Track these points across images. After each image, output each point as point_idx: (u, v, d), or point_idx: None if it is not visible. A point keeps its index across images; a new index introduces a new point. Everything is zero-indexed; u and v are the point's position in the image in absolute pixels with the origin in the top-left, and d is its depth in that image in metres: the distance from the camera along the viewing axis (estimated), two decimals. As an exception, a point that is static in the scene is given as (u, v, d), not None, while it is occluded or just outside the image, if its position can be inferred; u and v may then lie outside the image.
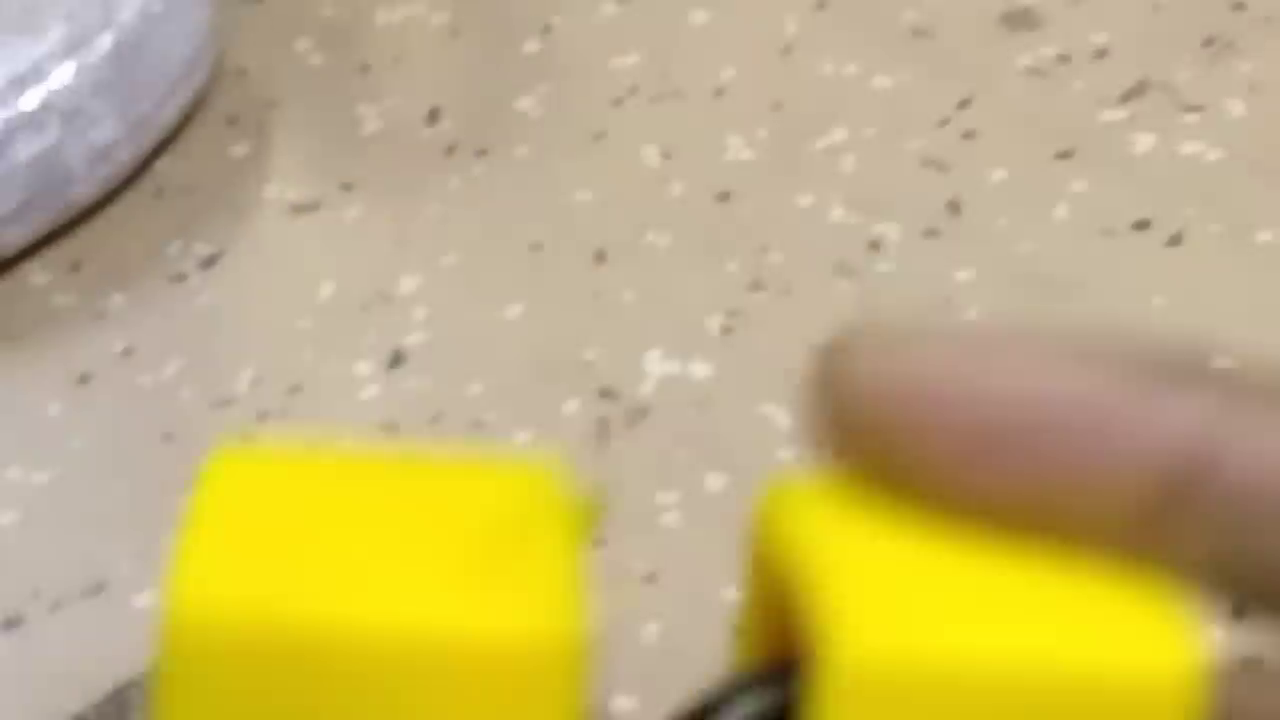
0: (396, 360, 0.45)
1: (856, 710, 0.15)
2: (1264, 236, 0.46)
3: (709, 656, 0.18)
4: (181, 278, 0.48)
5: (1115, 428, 0.15)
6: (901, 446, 0.15)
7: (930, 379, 0.15)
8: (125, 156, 0.48)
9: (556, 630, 0.15)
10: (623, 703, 0.37)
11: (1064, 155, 0.48)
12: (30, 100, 0.46)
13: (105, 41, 0.47)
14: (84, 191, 0.47)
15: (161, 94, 0.48)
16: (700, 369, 0.44)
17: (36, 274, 0.49)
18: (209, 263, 0.48)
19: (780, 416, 0.43)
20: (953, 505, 0.15)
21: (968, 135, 0.49)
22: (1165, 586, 0.16)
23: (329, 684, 0.16)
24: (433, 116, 0.50)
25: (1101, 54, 0.50)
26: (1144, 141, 0.48)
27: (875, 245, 0.47)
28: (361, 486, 0.17)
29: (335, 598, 0.16)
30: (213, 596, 0.16)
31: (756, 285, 0.46)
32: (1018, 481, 0.15)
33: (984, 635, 0.15)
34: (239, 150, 0.51)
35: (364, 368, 0.45)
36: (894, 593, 0.15)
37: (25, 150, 0.46)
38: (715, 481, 0.41)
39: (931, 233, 0.47)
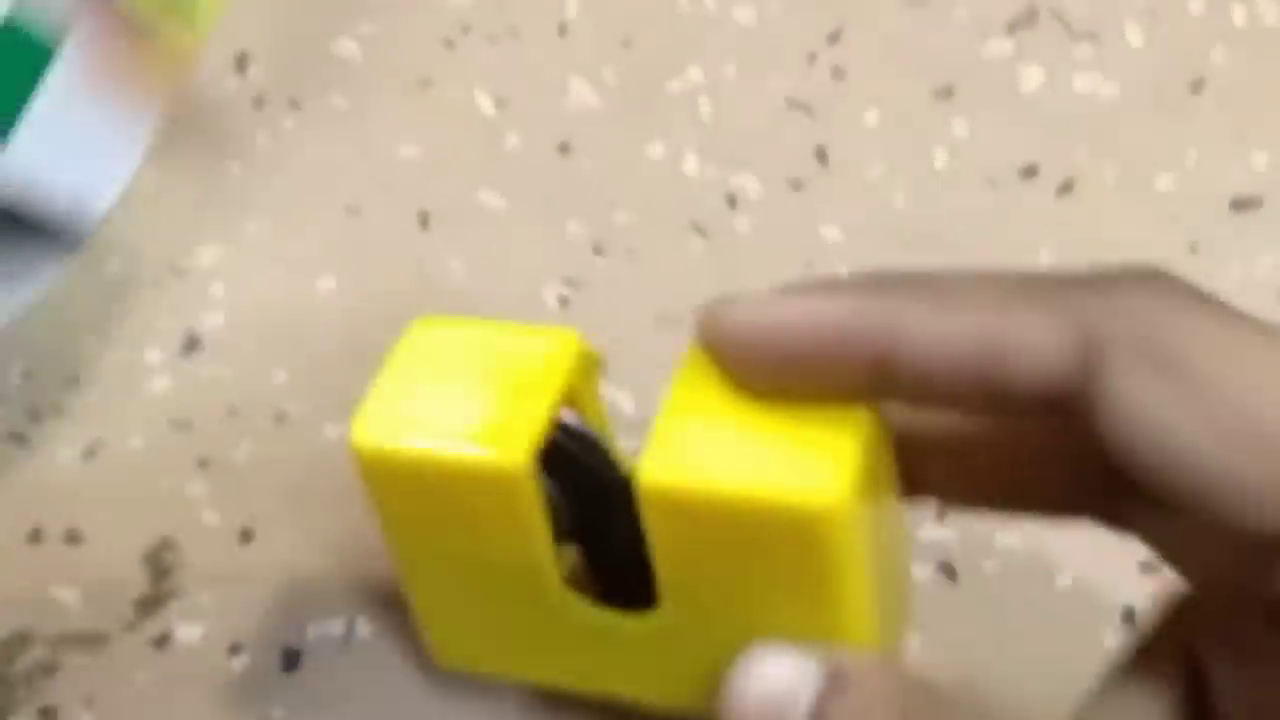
0: (190, 345, 0.40)
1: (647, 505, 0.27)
2: (1163, 183, 0.41)
3: None
4: (-53, 255, 0.42)
5: (835, 337, 0.26)
6: (733, 365, 0.27)
7: (744, 328, 0.27)
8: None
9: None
10: None
11: (943, 94, 0.43)
12: None
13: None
14: None
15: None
16: (533, 348, 0.39)
17: None
18: (-21, 237, 0.42)
19: (622, 399, 0.38)
20: (762, 390, 0.27)
21: (837, 73, 0.44)
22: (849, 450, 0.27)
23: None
24: (240, 63, 0.45)
25: (986, -22, 0.45)
26: (1032, 77, 0.43)
27: (733, 200, 0.42)
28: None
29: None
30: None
31: (600, 249, 0.41)
32: (791, 376, 0.26)
33: (715, 471, 0.27)
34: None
35: (153, 355, 0.40)
36: (691, 437, 0.27)
37: None
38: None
39: (796, 184, 0.42)
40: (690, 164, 0.42)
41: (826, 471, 0.26)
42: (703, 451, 0.27)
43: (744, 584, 0.28)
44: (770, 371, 0.26)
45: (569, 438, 0.30)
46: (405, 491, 0.29)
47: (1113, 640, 0.34)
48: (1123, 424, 0.24)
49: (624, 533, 0.29)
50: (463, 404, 0.29)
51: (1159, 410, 0.24)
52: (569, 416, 0.30)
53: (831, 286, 0.26)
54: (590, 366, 0.30)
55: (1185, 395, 0.24)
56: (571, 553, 0.31)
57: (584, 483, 0.30)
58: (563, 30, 0.45)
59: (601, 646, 0.31)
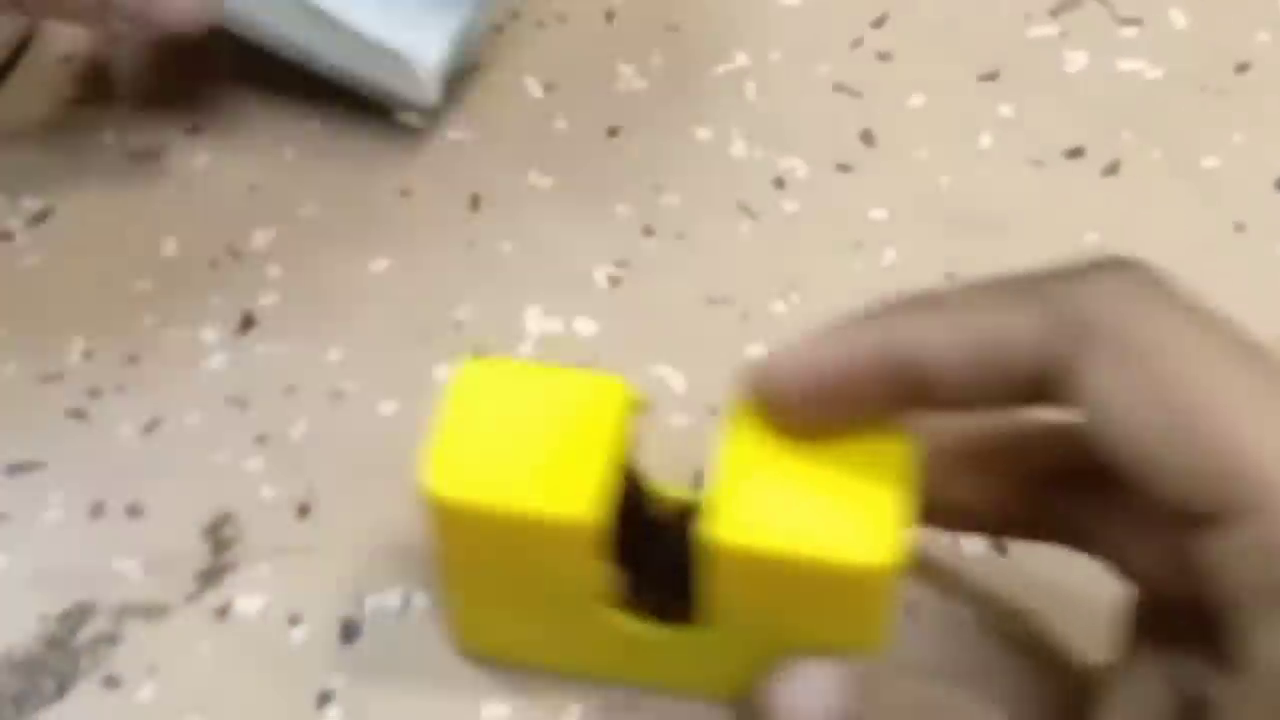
0: (247, 324, 0.40)
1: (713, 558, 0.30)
2: (1209, 162, 0.42)
3: None
4: (7, 236, 0.43)
5: (867, 363, 0.29)
6: (781, 410, 0.30)
7: (789, 373, 0.29)
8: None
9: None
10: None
11: (989, 77, 0.44)
12: None
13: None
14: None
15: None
16: (585, 326, 0.40)
17: None
18: (38, 219, 0.43)
19: (673, 378, 0.38)
20: (809, 428, 0.30)
21: (883, 57, 0.44)
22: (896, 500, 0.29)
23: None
24: (292, 49, 0.45)
25: (1030, -37, 0.46)
26: (1077, 60, 0.44)
27: (780, 182, 0.42)
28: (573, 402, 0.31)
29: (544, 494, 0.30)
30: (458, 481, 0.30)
31: (649, 230, 0.41)
32: (835, 407, 0.29)
33: (777, 531, 0.29)
34: (73, 92, 0.46)
35: (209, 334, 0.40)
36: (750, 494, 0.30)
37: None
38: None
39: (843, 167, 0.42)
40: (738, 147, 0.43)
41: (876, 530, 0.29)
42: (761, 510, 0.30)
43: (788, 616, 0.31)
44: (816, 407, 0.29)
45: (627, 483, 0.32)
46: (473, 533, 0.31)
47: (1162, 612, 0.34)
48: (1091, 406, 0.27)
49: (663, 558, 0.32)
50: (529, 455, 0.30)
51: (1118, 391, 0.27)
52: (625, 462, 0.32)
53: (853, 321, 0.29)
54: (634, 409, 0.32)
55: (1140, 379, 0.27)
56: (618, 573, 0.32)
57: (633, 518, 0.32)
58: (610, 16, 0.46)
59: (633, 651, 0.33)
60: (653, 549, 0.32)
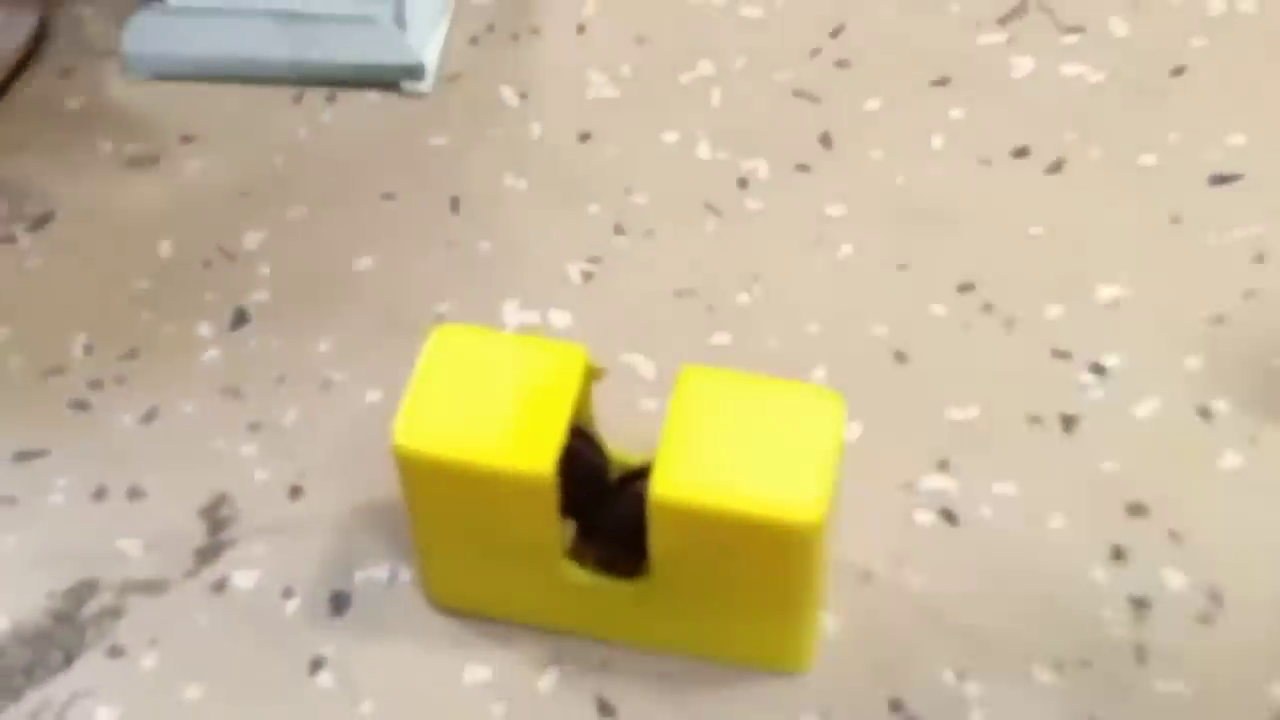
0: (239, 319, 0.43)
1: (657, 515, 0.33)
2: (1146, 160, 0.44)
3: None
4: (9, 240, 0.45)
5: None
6: None
7: None
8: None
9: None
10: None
11: (940, 83, 0.46)
12: None
13: (-79, -9, 0.44)
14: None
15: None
16: (560, 319, 0.42)
17: None
18: (39, 223, 0.45)
19: (643, 365, 0.41)
20: None
21: (840, 64, 0.47)
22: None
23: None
24: (279, 62, 0.48)
25: (979, -24, 0.48)
26: (1023, 65, 0.46)
27: (744, 182, 0.44)
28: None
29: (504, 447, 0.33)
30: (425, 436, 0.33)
31: (619, 229, 0.43)
32: None
33: (714, 489, 0.32)
34: (73, 103, 0.48)
35: (204, 329, 0.42)
36: (691, 456, 0.32)
37: None
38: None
39: (802, 167, 0.45)
40: (703, 149, 0.45)
41: (803, 489, 0.32)
42: (703, 470, 0.33)
43: (726, 568, 0.34)
44: None
45: (579, 441, 0.35)
46: (439, 486, 0.34)
47: (1102, 576, 0.37)
48: None
49: (615, 515, 0.35)
50: (491, 414, 0.33)
51: None
52: (579, 423, 0.35)
53: None
54: (591, 376, 0.35)
55: None
56: (570, 526, 0.36)
57: (586, 477, 0.35)
58: (581, 28, 0.48)
59: (590, 602, 0.36)
60: (608, 508, 0.35)
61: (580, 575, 0.35)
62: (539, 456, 0.32)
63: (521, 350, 0.34)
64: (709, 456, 0.32)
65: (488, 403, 0.33)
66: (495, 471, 0.33)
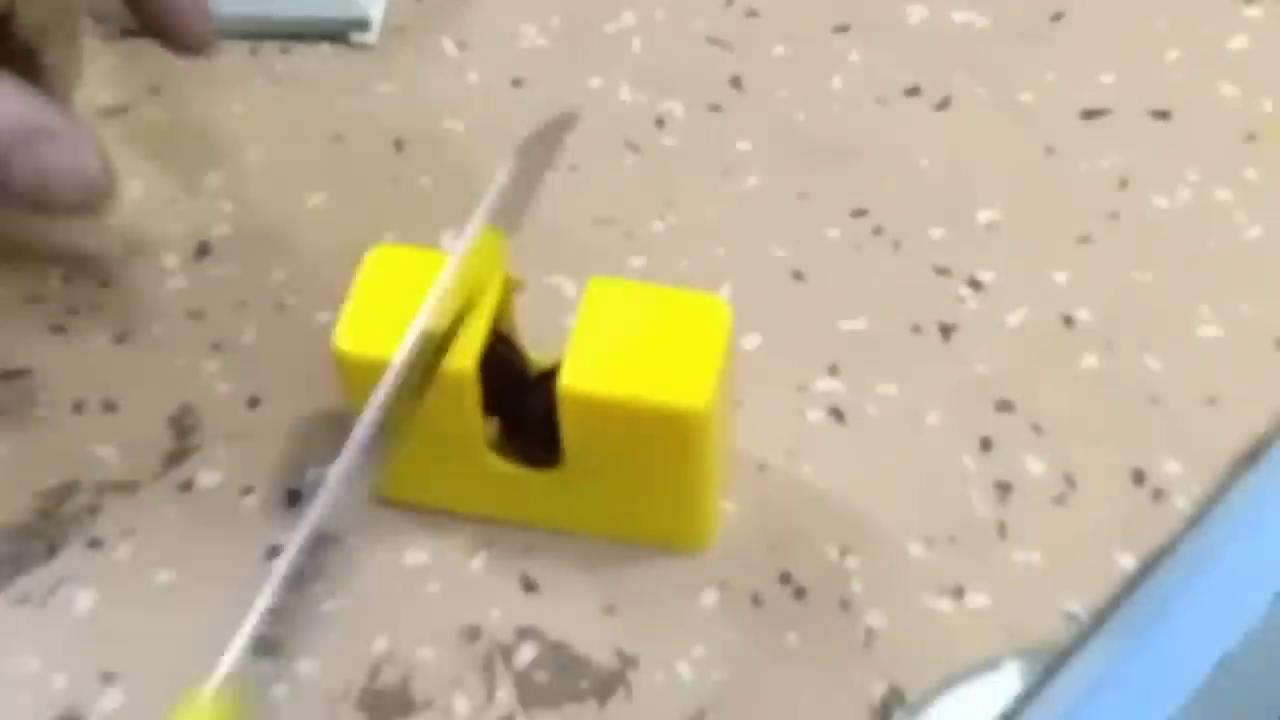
0: (202, 251, 0.47)
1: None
2: (1025, 97, 0.48)
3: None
4: (-7, 183, 0.49)
5: None
6: None
7: None
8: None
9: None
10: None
11: (841, 29, 0.50)
12: None
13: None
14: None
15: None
16: (492, 245, 0.46)
17: None
18: (20, 167, 0.49)
19: (566, 285, 0.45)
20: None
21: (751, 14, 0.51)
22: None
23: None
24: (238, 18, 0.52)
25: (880, -68, 0.53)
26: (916, 12, 0.51)
27: (661, 121, 0.49)
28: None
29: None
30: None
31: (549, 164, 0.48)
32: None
33: (613, 380, 0.36)
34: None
35: (170, 260, 0.47)
36: (594, 353, 0.37)
37: None
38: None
39: (715, 107, 0.49)
40: (624, 93, 0.49)
41: (693, 381, 0.37)
42: (605, 366, 0.37)
43: (629, 454, 0.38)
44: None
45: (500, 345, 0.39)
46: (372, 384, 0.37)
47: (971, 464, 0.41)
48: None
49: (532, 409, 0.39)
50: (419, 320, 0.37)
51: None
52: (500, 327, 0.39)
53: None
54: (513, 286, 0.39)
55: None
56: (493, 423, 0.40)
57: (506, 375, 0.39)
58: (516, -16, 0.52)
59: (515, 490, 0.40)
60: (525, 403, 0.39)
61: (503, 466, 0.39)
62: (461, 356, 0.37)
63: (446, 264, 0.38)
64: (611, 355, 0.37)
65: (415, 311, 0.37)
66: None
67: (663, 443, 0.37)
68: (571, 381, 0.37)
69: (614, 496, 0.39)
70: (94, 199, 0.39)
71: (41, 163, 0.38)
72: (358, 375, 0.38)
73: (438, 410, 0.38)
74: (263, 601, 0.34)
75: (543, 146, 0.41)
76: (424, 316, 0.37)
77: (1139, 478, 0.41)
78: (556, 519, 0.40)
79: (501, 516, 0.41)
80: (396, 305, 0.38)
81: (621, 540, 0.40)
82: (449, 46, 0.51)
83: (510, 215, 0.40)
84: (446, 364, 0.37)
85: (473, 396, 0.38)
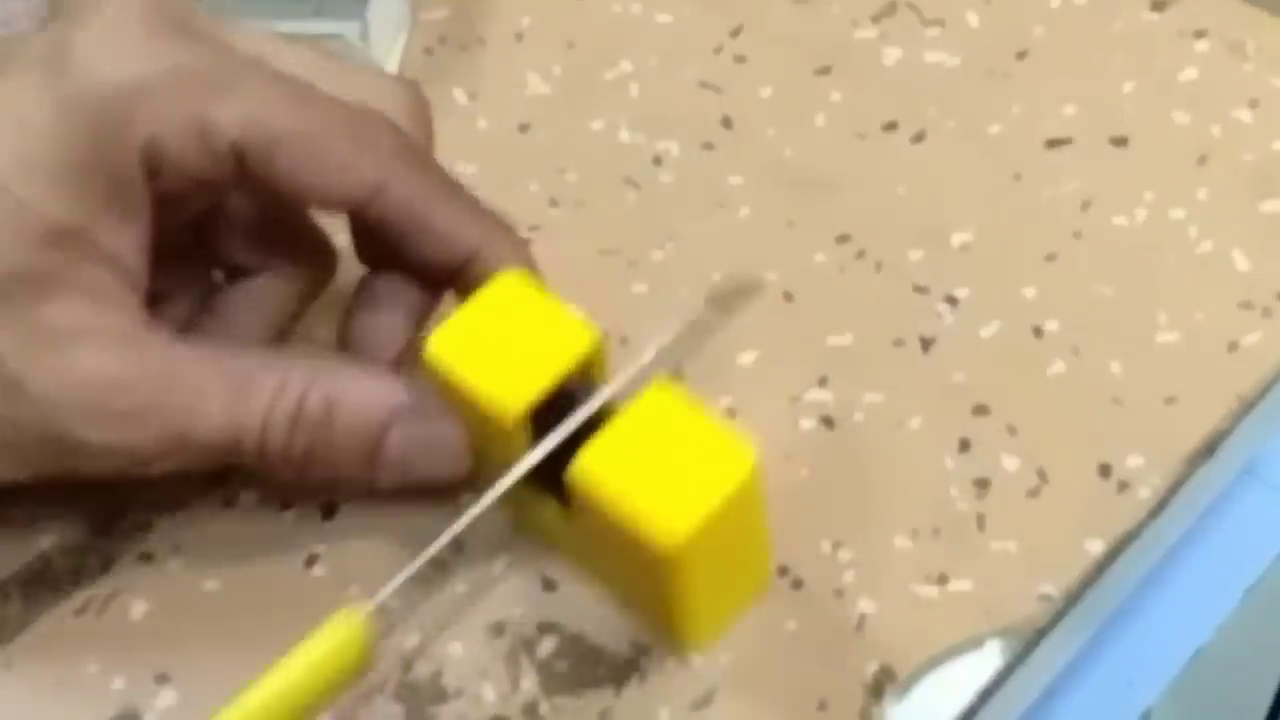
0: (237, 289, 0.51)
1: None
2: (993, 129, 0.52)
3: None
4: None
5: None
6: None
7: None
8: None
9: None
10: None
11: (823, 71, 0.54)
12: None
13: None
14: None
15: (11, 69, 0.53)
16: (505, 276, 0.50)
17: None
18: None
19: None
20: None
21: (739, 59, 0.55)
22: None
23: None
24: (262, 75, 0.56)
25: (856, -19, 0.57)
26: (892, 54, 0.54)
27: (658, 160, 0.52)
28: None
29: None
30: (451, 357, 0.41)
31: (554, 202, 0.51)
32: None
33: (615, 492, 0.39)
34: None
35: (208, 297, 0.50)
36: (616, 456, 0.39)
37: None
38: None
39: (708, 145, 0.53)
40: (624, 134, 0.53)
41: (683, 517, 0.38)
42: (618, 466, 0.39)
43: (621, 552, 0.40)
44: None
45: (568, 397, 0.41)
46: (445, 393, 0.41)
47: (951, 464, 0.45)
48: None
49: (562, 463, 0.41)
50: (504, 353, 0.40)
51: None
52: (574, 382, 0.41)
53: None
54: (600, 349, 0.41)
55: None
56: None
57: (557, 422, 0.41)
58: (519, 37, 0.56)
59: (544, 523, 0.43)
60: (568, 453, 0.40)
61: (537, 498, 0.42)
62: (514, 401, 0.40)
63: (553, 312, 0.41)
64: (629, 460, 0.39)
65: (506, 344, 0.40)
66: (480, 402, 0.40)
67: (645, 562, 0.39)
68: (580, 468, 0.39)
69: (615, 578, 0.42)
70: (456, 473, 0.42)
71: (411, 439, 0.42)
72: (437, 383, 0.41)
73: (489, 432, 0.41)
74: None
75: (727, 301, 0.45)
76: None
77: (1105, 471, 0.44)
78: (578, 562, 0.43)
79: (530, 532, 0.44)
80: (497, 333, 0.41)
81: (628, 613, 0.43)
82: (459, 96, 0.55)
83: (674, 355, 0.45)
84: (496, 404, 0.40)
85: (519, 441, 0.40)
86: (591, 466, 0.39)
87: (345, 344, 0.44)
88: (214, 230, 0.44)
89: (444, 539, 0.40)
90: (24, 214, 0.38)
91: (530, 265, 0.44)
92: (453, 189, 0.43)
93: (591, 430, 0.40)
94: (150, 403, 0.40)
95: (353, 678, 0.40)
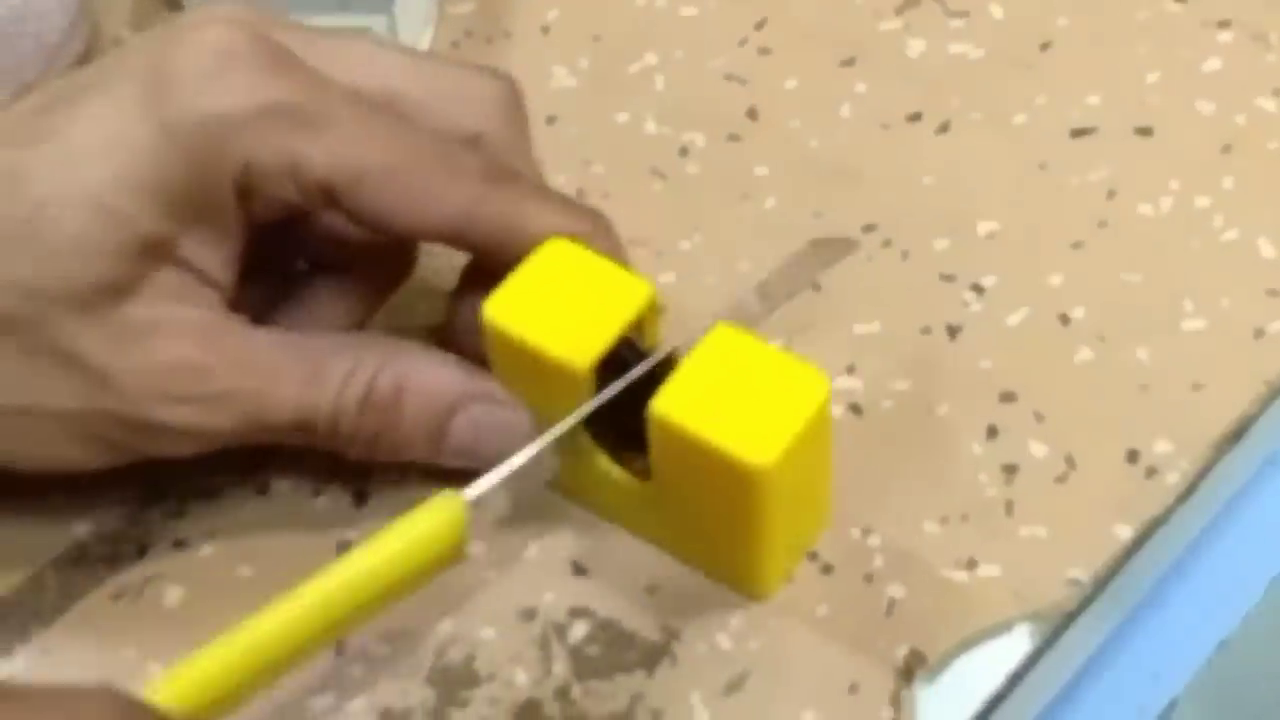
0: (267, 280, 0.51)
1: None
2: (1019, 120, 0.52)
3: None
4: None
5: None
6: None
7: None
8: (15, 123, 0.53)
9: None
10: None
11: (847, 63, 0.55)
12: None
13: (-11, 19, 0.52)
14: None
15: (42, 64, 0.53)
16: (533, 266, 0.50)
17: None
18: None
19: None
20: None
21: (764, 51, 0.55)
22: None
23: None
24: (290, 69, 0.56)
25: (880, -27, 0.57)
26: (916, 46, 0.55)
27: (685, 151, 0.53)
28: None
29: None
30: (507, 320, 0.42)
31: (581, 193, 0.52)
32: None
33: (700, 422, 0.40)
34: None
35: (239, 288, 0.51)
36: (692, 389, 0.40)
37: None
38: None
39: (733, 137, 0.53)
40: (650, 126, 0.53)
41: (769, 441, 0.39)
42: (696, 401, 0.40)
43: (701, 491, 0.41)
44: None
45: (627, 350, 0.42)
46: (507, 354, 0.42)
47: (979, 450, 0.45)
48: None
49: (632, 418, 0.41)
50: (562, 311, 0.41)
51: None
52: (632, 336, 0.42)
53: None
54: (655, 304, 0.43)
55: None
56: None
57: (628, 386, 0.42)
58: (545, 30, 0.57)
59: (609, 491, 0.43)
60: (635, 411, 0.41)
61: (603, 462, 0.43)
62: (580, 353, 0.41)
63: (604, 270, 0.42)
64: (706, 395, 0.40)
65: (563, 303, 0.41)
66: (546, 357, 0.41)
67: (729, 490, 0.40)
68: (660, 407, 0.40)
69: (687, 526, 0.42)
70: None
71: (476, 424, 0.43)
72: (498, 346, 0.42)
73: (551, 391, 0.41)
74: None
75: (818, 256, 0.46)
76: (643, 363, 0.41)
77: (1133, 457, 0.45)
78: (642, 528, 0.44)
79: (595, 511, 0.44)
80: (554, 292, 0.41)
81: (691, 567, 0.43)
82: (486, 89, 0.55)
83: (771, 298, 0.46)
84: (564, 358, 0.41)
85: (586, 395, 0.41)
86: (672, 401, 0.40)
87: (446, 332, 0.45)
88: (299, 229, 0.45)
89: (536, 445, 0.41)
90: (118, 229, 0.40)
91: (622, 254, 0.44)
92: (543, 193, 0.44)
93: (651, 386, 0.41)
94: (228, 387, 0.42)
95: (446, 561, 0.40)
